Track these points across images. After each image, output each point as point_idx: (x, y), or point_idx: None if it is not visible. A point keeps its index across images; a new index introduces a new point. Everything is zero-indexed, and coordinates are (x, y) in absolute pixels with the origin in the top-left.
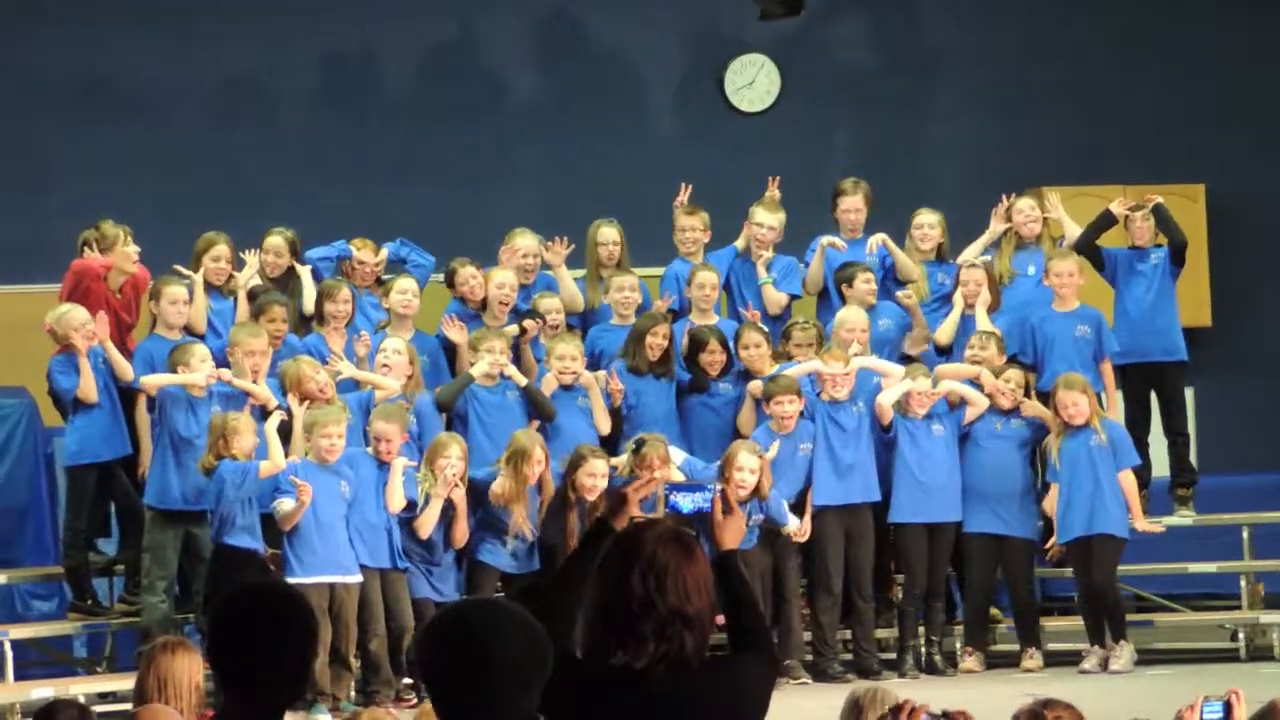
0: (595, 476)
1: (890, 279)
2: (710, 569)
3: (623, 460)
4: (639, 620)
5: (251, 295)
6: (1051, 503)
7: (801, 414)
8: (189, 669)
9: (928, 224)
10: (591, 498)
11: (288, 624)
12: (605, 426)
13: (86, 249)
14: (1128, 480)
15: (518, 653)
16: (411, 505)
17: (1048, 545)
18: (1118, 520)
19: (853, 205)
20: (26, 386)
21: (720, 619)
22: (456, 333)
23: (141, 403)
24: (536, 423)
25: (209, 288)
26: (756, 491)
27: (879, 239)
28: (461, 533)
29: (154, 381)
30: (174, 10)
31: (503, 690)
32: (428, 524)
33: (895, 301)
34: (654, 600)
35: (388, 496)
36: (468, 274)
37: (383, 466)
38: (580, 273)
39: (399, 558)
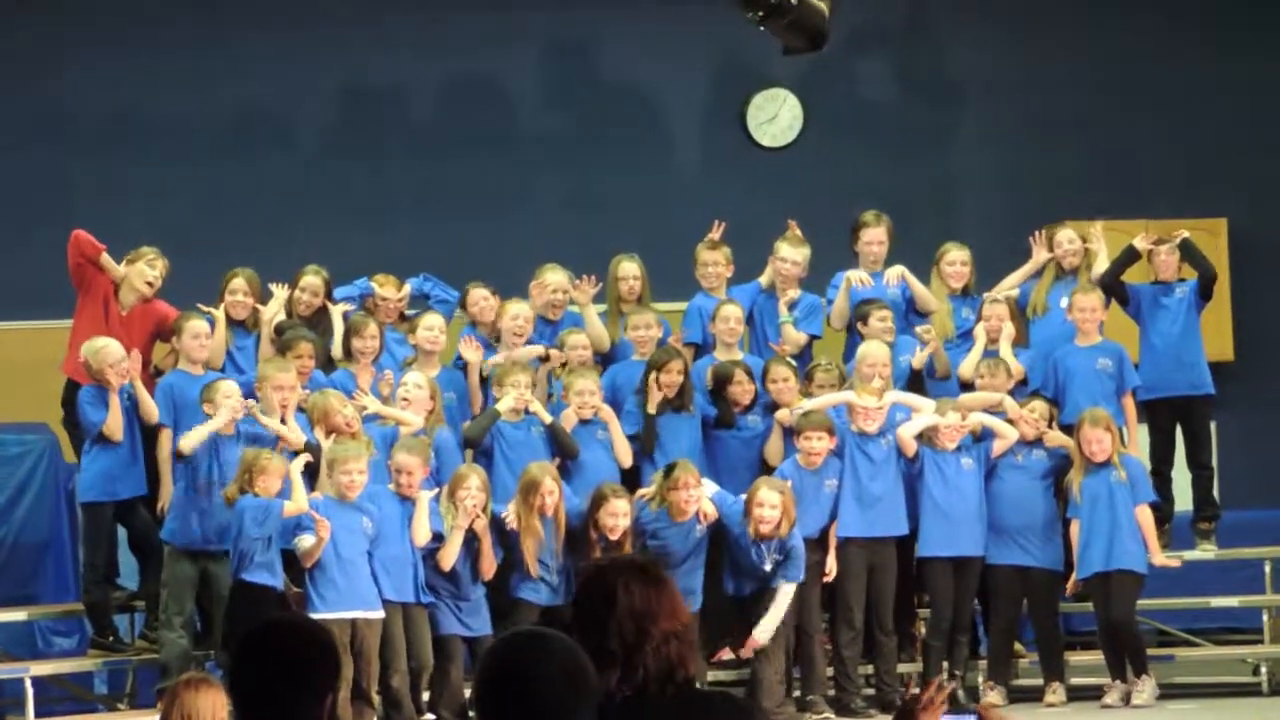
0: (617, 516)
1: (911, 311)
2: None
3: (651, 489)
4: (634, 651)
5: (279, 330)
6: (1073, 538)
7: (830, 450)
8: (213, 705)
9: (960, 260)
10: (614, 537)
11: (311, 661)
12: (626, 459)
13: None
14: (1144, 516)
15: (560, 680)
16: (438, 537)
17: (1068, 581)
18: (1136, 556)
19: (875, 237)
20: (47, 422)
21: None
22: (471, 351)
23: (164, 439)
24: (558, 459)
25: (231, 322)
26: (778, 529)
27: (898, 272)
28: (488, 565)
29: (192, 444)
30: (195, 44)
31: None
32: (450, 556)
33: (915, 337)
34: (647, 632)
35: (414, 529)
36: (479, 295)
37: (405, 500)
38: (603, 307)
39: (422, 592)
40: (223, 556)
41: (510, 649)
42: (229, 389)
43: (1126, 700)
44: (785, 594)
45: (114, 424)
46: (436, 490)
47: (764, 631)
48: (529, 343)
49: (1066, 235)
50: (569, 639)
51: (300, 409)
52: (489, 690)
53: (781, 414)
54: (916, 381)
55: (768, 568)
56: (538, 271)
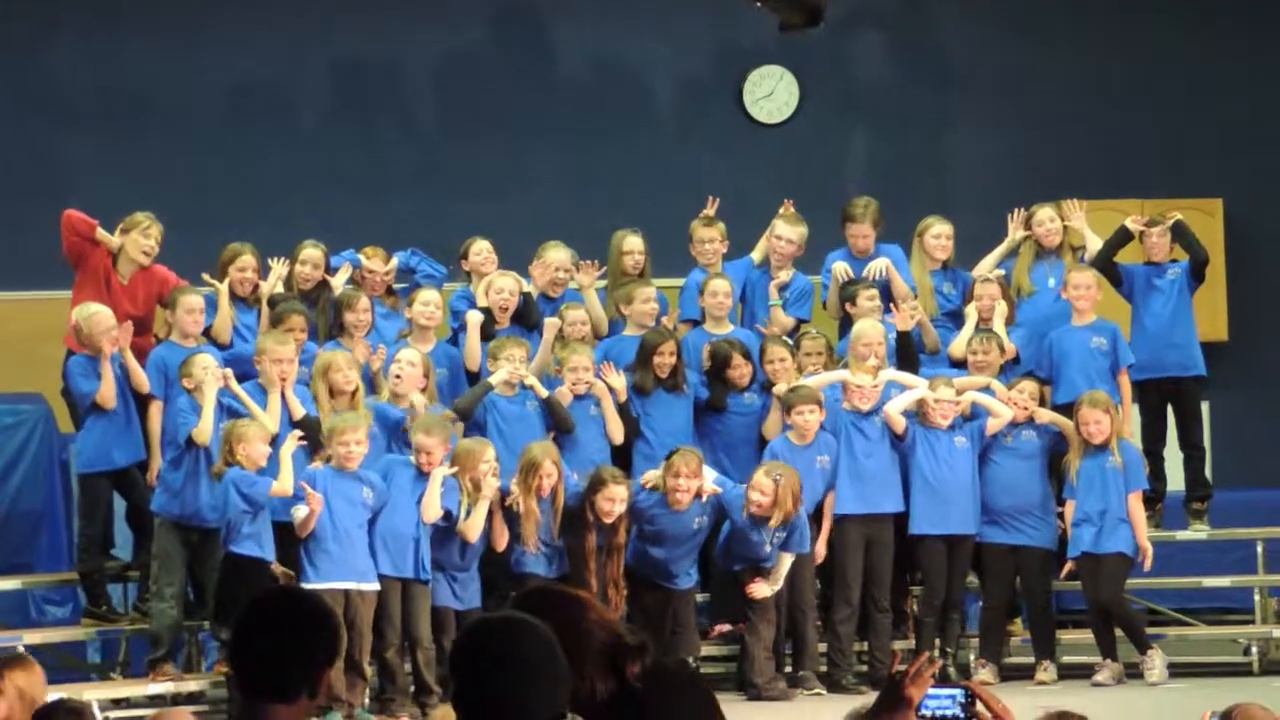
0: (614, 501)
1: (889, 298)
2: None
3: (655, 474)
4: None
5: (271, 303)
6: (1068, 520)
7: (822, 426)
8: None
9: (944, 234)
10: (608, 521)
11: (312, 632)
12: (618, 436)
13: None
14: (1136, 505)
15: (532, 658)
16: (447, 515)
17: (1060, 560)
18: (1125, 539)
19: (860, 232)
20: (42, 393)
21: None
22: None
23: (154, 411)
24: (553, 433)
25: (234, 298)
26: (771, 512)
27: (881, 265)
28: (502, 538)
29: (206, 433)
30: (192, 19)
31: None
32: (475, 528)
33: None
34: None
35: (425, 506)
36: (483, 246)
37: (421, 477)
38: (604, 283)
39: (423, 569)
40: (213, 528)
41: (490, 627)
42: (204, 360)
43: (1118, 679)
44: (785, 561)
45: (107, 392)
46: (452, 469)
47: (761, 590)
48: (514, 314)
49: (1046, 214)
50: (537, 622)
51: (301, 383)
52: (473, 664)
53: (779, 389)
54: (910, 355)
55: (766, 550)
56: (540, 249)
